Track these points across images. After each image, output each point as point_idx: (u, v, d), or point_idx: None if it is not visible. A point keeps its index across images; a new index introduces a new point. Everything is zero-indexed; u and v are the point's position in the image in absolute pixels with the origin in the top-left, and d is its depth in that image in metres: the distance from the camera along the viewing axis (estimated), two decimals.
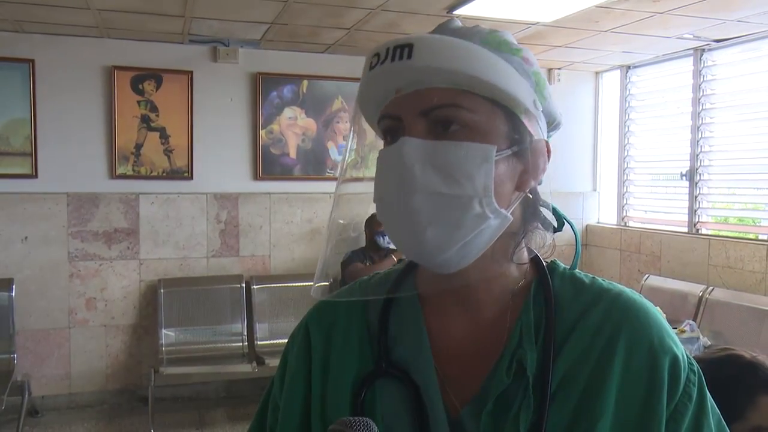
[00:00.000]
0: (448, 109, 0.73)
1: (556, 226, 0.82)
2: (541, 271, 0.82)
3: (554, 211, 0.82)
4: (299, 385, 0.84)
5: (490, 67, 0.73)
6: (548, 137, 0.82)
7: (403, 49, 0.73)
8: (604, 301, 0.78)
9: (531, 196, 0.78)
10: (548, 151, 0.79)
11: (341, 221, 0.88)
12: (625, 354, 0.74)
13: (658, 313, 0.79)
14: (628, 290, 0.80)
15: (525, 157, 0.76)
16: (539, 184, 0.80)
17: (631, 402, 0.73)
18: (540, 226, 0.81)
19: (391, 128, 0.76)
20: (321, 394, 0.82)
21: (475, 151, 0.72)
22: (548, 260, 0.84)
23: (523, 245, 0.81)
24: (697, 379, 0.76)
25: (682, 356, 0.76)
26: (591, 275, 0.83)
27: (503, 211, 0.74)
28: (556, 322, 0.77)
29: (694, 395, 0.75)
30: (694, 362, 0.78)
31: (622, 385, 0.73)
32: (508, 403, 0.74)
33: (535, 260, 0.83)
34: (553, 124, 0.82)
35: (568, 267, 0.84)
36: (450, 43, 0.74)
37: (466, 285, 0.78)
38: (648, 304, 0.79)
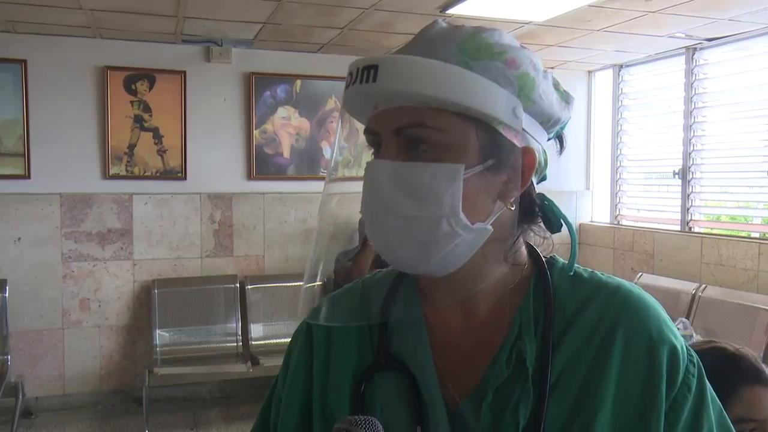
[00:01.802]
0: (417, 128, 0.73)
1: (553, 225, 0.82)
2: (540, 266, 0.82)
3: (553, 212, 0.82)
4: (301, 379, 0.86)
5: (457, 86, 0.72)
6: (552, 134, 0.82)
7: (370, 71, 0.74)
8: (603, 294, 0.79)
9: (512, 209, 0.77)
10: (532, 158, 0.77)
11: (330, 223, 0.88)
12: (624, 346, 0.75)
13: (657, 306, 0.79)
14: (626, 283, 0.81)
15: (504, 168, 0.75)
16: (543, 179, 0.80)
17: (631, 393, 0.74)
18: (537, 228, 0.81)
19: (374, 142, 0.78)
20: (322, 389, 0.84)
21: (441, 171, 0.72)
22: (547, 255, 0.84)
23: (521, 244, 0.81)
24: (696, 370, 0.76)
25: (682, 348, 0.76)
26: (590, 270, 0.83)
27: (478, 225, 0.74)
28: (555, 315, 0.78)
29: (694, 386, 0.75)
30: (694, 354, 0.78)
31: (622, 377, 0.74)
32: (507, 395, 0.75)
33: (533, 256, 0.84)
34: (550, 123, 0.80)
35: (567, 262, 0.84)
36: (413, 63, 0.73)
37: (462, 283, 0.79)
38: (646, 296, 0.80)
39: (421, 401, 0.78)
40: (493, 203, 0.76)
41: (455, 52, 0.74)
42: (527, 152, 0.77)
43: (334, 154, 0.86)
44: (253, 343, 4.83)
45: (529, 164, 0.77)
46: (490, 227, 0.75)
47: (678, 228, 4.93)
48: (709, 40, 4.57)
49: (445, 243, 0.73)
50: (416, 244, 0.74)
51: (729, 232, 4.71)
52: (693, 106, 4.81)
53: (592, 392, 0.74)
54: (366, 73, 0.74)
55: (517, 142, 0.75)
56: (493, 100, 0.73)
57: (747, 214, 4.86)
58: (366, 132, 0.79)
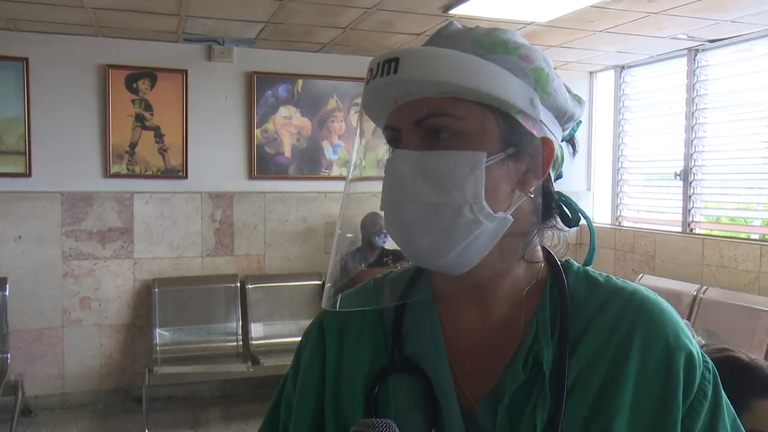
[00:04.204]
0: (437, 118, 0.74)
1: (571, 219, 0.82)
2: (555, 270, 0.82)
3: (570, 206, 0.82)
4: (313, 380, 0.85)
5: (476, 74, 0.73)
6: (567, 131, 0.82)
7: (390, 64, 0.75)
8: (619, 299, 0.79)
9: (532, 196, 0.77)
10: (551, 148, 0.78)
11: (348, 234, 0.89)
12: (641, 351, 0.75)
13: (673, 311, 0.79)
14: (642, 288, 0.81)
15: (524, 157, 0.76)
16: (559, 177, 0.81)
17: (647, 399, 0.74)
18: (554, 224, 0.82)
19: (393, 138, 0.78)
20: (334, 390, 0.83)
21: (463, 159, 0.73)
22: (562, 259, 0.85)
23: (536, 243, 0.81)
24: (712, 376, 0.77)
25: (697, 354, 0.77)
26: (605, 274, 0.83)
27: (500, 214, 0.74)
28: (572, 319, 0.78)
29: (709, 393, 0.76)
30: (709, 360, 0.78)
31: (638, 382, 0.74)
32: (523, 399, 0.75)
33: (549, 259, 0.84)
34: (564, 118, 0.81)
35: (582, 265, 0.85)
36: (434, 54, 0.75)
37: (477, 283, 0.79)
38: (663, 302, 0.80)
39: (436, 404, 0.78)
40: (513, 192, 0.76)
41: (472, 46, 0.76)
42: (546, 142, 0.78)
43: (355, 156, 0.86)
44: (253, 342, 4.82)
45: (548, 155, 0.78)
46: (511, 217, 0.75)
47: (679, 229, 4.92)
48: (711, 41, 4.56)
49: (468, 232, 0.73)
50: (439, 233, 0.73)
51: (730, 234, 4.70)
52: (695, 108, 4.80)
53: (609, 396, 0.74)
54: (387, 66, 0.75)
55: (536, 133, 0.76)
56: (512, 88, 0.74)
57: (747, 216, 4.85)
58: (385, 129, 0.79)
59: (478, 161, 0.73)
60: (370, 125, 0.85)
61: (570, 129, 0.84)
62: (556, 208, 0.82)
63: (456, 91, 0.73)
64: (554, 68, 0.80)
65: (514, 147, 0.75)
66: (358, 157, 0.86)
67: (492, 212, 0.73)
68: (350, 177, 0.85)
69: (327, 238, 5.17)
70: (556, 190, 0.82)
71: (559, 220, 0.82)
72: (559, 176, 0.83)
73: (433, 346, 0.81)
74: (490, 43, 0.76)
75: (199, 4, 3.83)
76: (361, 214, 0.88)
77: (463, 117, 0.74)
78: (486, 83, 0.73)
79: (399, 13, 3.93)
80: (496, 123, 0.74)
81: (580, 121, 0.85)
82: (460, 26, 0.79)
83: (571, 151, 0.85)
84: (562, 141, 0.82)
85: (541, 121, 0.77)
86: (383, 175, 0.78)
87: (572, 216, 0.82)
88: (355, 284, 0.92)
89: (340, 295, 0.87)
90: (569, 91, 0.82)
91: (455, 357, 0.80)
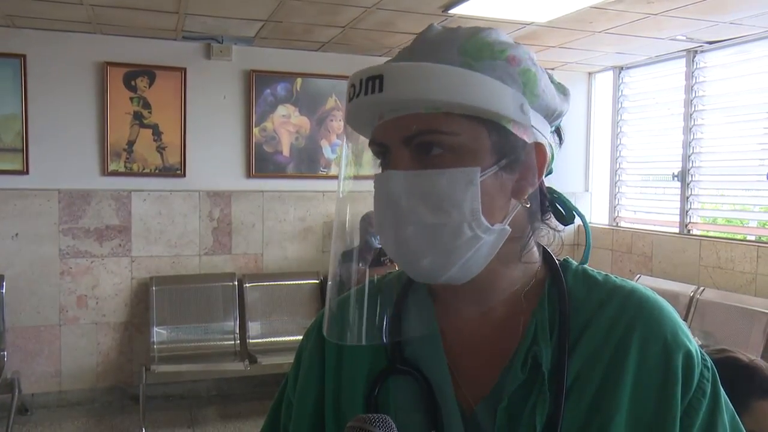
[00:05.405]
0: (428, 135, 0.72)
1: (565, 218, 0.82)
2: (553, 269, 0.82)
3: (564, 204, 0.82)
4: (313, 382, 0.85)
5: (465, 88, 0.71)
6: (553, 127, 0.82)
7: (375, 81, 0.73)
8: (618, 298, 0.79)
9: (528, 205, 0.77)
10: (543, 153, 0.77)
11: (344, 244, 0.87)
12: (639, 350, 0.75)
13: (672, 310, 0.79)
14: (641, 287, 0.81)
15: (517, 165, 0.75)
16: (550, 173, 0.80)
17: (646, 397, 0.74)
18: (548, 223, 0.81)
19: (380, 153, 0.77)
20: (334, 391, 0.83)
21: (458, 176, 0.72)
22: (560, 258, 0.84)
23: (532, 245, 0.81)
24: (710, 374, 0.77)
25: (696, 352, 0.77)
26: (604, 272, 0.83)
27: (497, 226, 0.74)
28: (571, 319, 0.78)
29: (708, 391, 0.76)
30: (708, 358, 0.78)
31: (637, 381, 0.74)
32: (523, 399, 0.75)
33: (547, 258, 0.84)
34: (553, 116, 0.80)
35: (580, 264, 0.84)
36: (420, 70, 0.72)
37: (474, 286, 0.78)
38: (661, 300, 0.80)
39: (436, 405, 0.78)
40: (509, 202, 0.76)
41: (457, 54, 0.73)
42: (539, 148, 0.77)
43: (343, 170, 0.84)
44: (250, 341, 4.82)
45: (540, 160, 0.77)
46: (509, 228, 0.75)
47: (676, 230, 4.93)
48: (710, 43, 4.57)
49: (468, 248, 0.73)
50: (439, 253, 0.73)
51: (727, 235, 4.71)
52: (693, 109, 4.81)
53: (608, 395, 0.74)
54: (371, 83, 0.73)
55: (527, 139, 0.75)
56: (501, 98, 0.73)
57: (744, 217, 4.86)
58: (371, 144, 0.78)
59: (473, 177, 0.72)
60: (359, 138, 0.83)
61: (557, 123, 0.83)
62: (549, 206, 0.82)
63: (445, 107, 0.72)
64: (550, 69, 0.80)
65: (507, 158, 0.74)
66: (347, 165, 0.84)
67: (490, 226, 0.73)
68: (341, 190, 0.83)
69: (325, 237, 5.17)
70: (548, 186, 0.82)
71: (553, 218, 0.82)
72: (549, 172, 0.82)
73: (432, 347, 0.81)
74: (475, 48, 0.74)
75: (198, 2, 3.82)
76: (358, 214, 0.86)
77: (454, 132, 0.72)
78: (476, 97, 0.71)
79: (399, 12, 3.93)
80: (487, 135, 0.73)
81: None
82: (441, 29, 0.78)
83: (558, 140, 0.84)
84: (549, 133, 0.81)
85: (531, 126, 0.75)
86: (371, 177, 0.77)
87: (566, 214, 0.82)
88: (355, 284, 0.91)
89: (334, 314, 0.84)
90: (553, 82, 0.80)
91: (454, 358, 0.80)
